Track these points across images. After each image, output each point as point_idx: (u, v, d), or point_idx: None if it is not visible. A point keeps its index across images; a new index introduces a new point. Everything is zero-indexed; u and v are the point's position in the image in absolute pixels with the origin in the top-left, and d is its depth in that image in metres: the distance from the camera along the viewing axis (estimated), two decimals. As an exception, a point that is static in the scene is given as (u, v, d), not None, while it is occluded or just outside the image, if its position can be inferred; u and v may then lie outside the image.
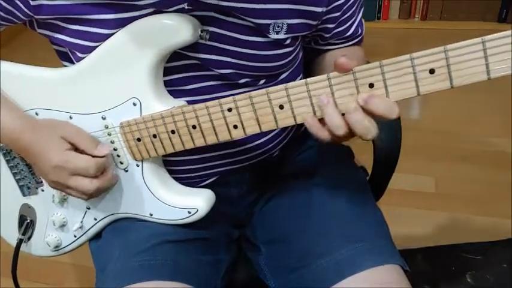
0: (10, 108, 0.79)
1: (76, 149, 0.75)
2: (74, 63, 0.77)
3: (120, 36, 0.71)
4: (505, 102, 2.09)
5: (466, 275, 1.44)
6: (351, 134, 0.63)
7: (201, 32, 0.69)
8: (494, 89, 2.09)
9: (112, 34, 0.71)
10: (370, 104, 0.60)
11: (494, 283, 1.41)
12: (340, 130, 0.62)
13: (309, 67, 0.93)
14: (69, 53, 0.78)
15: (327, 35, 0.85)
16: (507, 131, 1.97)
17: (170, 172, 0.83)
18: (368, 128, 0.61)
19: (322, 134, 0.64)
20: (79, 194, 0.76)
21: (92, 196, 0.77)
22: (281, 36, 0.76)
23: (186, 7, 0.69)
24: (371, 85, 0.61)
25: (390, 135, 0.96)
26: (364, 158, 1.00)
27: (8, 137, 0.78)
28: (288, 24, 0.75)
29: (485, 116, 2.10)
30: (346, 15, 0.83)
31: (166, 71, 0.75)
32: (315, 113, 0.65)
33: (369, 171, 0.99)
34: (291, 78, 0.85)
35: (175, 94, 0.77)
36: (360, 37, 0.90)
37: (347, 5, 0.81)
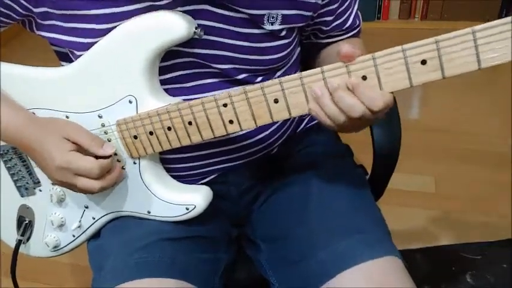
0: (11, 107, 0.79)
1: (80, 148, 0.74)
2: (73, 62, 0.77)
3: (115, 35, 0.71)
4: (505, 102, 2.08)
5: (466, 275, 1.44)
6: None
7: (195, 28, 0.69)
8: (494, 89, 2.10)
9: (108, 29, 0.71)
10: (356, 92, 0.61)
11: (494, 283, 1.41)
12: (340, 117, 0.63)
13: (310, 64, 0.93)
14: (69, 53, 0.78)
15: (326, 28, 0.86)
16: (507, 131, 1.97)
17: (169, 170, 0.83)
18: (351, 105, 0.62)
19: (326, 121, 0.65)
20: (83, 192, 0.76)
21: (96, 193, 0.76)
22: (276, 27, 0.76)
23: None
24: (364, 77, 0.62)
25: (390, 135, 0.96)
26: (364, 157, 1.00)
27: (9, 134, 0.78)
28: (283, 15, 0.75)
29: (485, 116, 2.10)
30: (343, 7, 0.84)
31: (165, 69, 0.75)
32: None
33: (369, 171, 0.99)
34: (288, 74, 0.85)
35: (174, 92, 0.77)
36: (358, 28, 0.90)
37: None
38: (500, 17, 2.69)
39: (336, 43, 0.90)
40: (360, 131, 0.71)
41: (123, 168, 0.79)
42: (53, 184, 0.84)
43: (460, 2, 2.71)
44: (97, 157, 0.74)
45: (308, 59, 0.94)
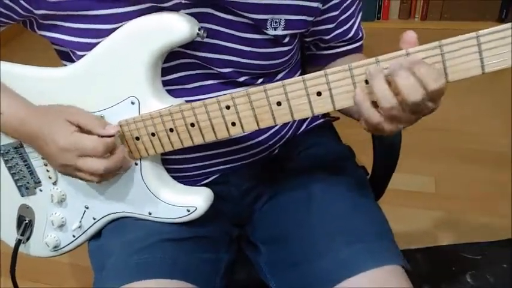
0: (12, 96, 0.79)
1: (83, 130, 0.73)
2: (74, 62, 0.77)
3: (118, 35, 0.71)
4: (505, 102, 2.09)
5: (466, 275, 1.44)
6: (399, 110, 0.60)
7: (198, 30, 0.69)
8: (494, 89, 2.10)
9: (110, 30, 0.71)
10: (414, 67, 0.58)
11: (494, 283, 1.41)
12: (390, 100, 0.59)
13: None
14: (70, 53, 0.78)
15: (327, 37, 0.85)
16: (507, 131, 1.97)
17: (171, 171, 0.83)
18: (413, 86, 0.58)
19: (372, 113, 0.61)
20: (88, 176, 0.74)
21: (102, 177, 0.75)
22: (279, 32, 0.76)
23: (183, 1, 0.69)
24: (367, 81, 0.61)
25: (390, 135, 0.96)
26: (364, 158, 1.00)
27: (12, 124, 0.78)
28: (286, 20, 0.75)
29: (485, 116, 2.10)
30: (345, 15, 0.83)
31: (167, 70, 0.75)
32: (312, 111, 0.65)
33: (369, 171, 0.99)
34: (287, 77, 0.85)
35: (176, 93, 0.77)
36: (361, 41, 0.89)
37: (345, 4, 0.81)
38: (500, 17, 2.70)
39: (342, 58, 0.89)
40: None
41: (123, 169, 0.79)
42: (59, 172, 0.81)
43: (460, 2, 2.71)
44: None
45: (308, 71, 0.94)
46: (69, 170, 0.75)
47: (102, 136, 0.73)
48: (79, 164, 0.73)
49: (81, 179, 0.76)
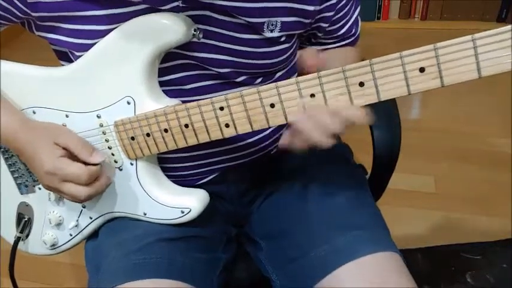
0: (8, 110, 0.79)
1: (70, 154, 0.75)
2: (72, 62, 0.77)
3: (114, 36, 0.71)
4: (505, 102, 2.09)
5: (466, 275, 1.44)
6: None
7: (194, 31, 0.69)
8: (494, 89, 2.09)
9: (107, 30, 0.72)
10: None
11: (494, 283, 1.41)
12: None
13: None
14: (69, 53, 0.78)
15: (320, 34, 0.85)
16: (507, 131, 1.97)
17: (169, 170, 0.83)
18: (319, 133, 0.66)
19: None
20: (71, 199, 0.77)
21: (84, 201, 0.77)
22: (275, 34, 0.76)
23: (181, 5, 0.69)
24: (361, 84, 0.61)
25: (390, 135, 0.95)
26: (364, 157, 1.00)
27: (4, 138, 0.79)
28: (282, 22, 0.75)
29: (485, 116, 2.10)
30: (339, 15, 0.83)
31: (164, 71, 0.75)
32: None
33: (369, 171, 0.98)
34: (286, 76, 0.85)
35: (174, 94, 0.77)
36: (353, 37, 0.90)
37: (340, 5, 0.81)
38: (500, 17, 2.70)
39: (327, 50, 0.90)
40: None
41: (120, 169, 0.79)
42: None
43: (460, 2, 2.70)
44: (86, 164, 0.74)
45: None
46: (52, 190, 0.78)
47: (88, 164, 0.74)
48: (61, 188, 0.74)
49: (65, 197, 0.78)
